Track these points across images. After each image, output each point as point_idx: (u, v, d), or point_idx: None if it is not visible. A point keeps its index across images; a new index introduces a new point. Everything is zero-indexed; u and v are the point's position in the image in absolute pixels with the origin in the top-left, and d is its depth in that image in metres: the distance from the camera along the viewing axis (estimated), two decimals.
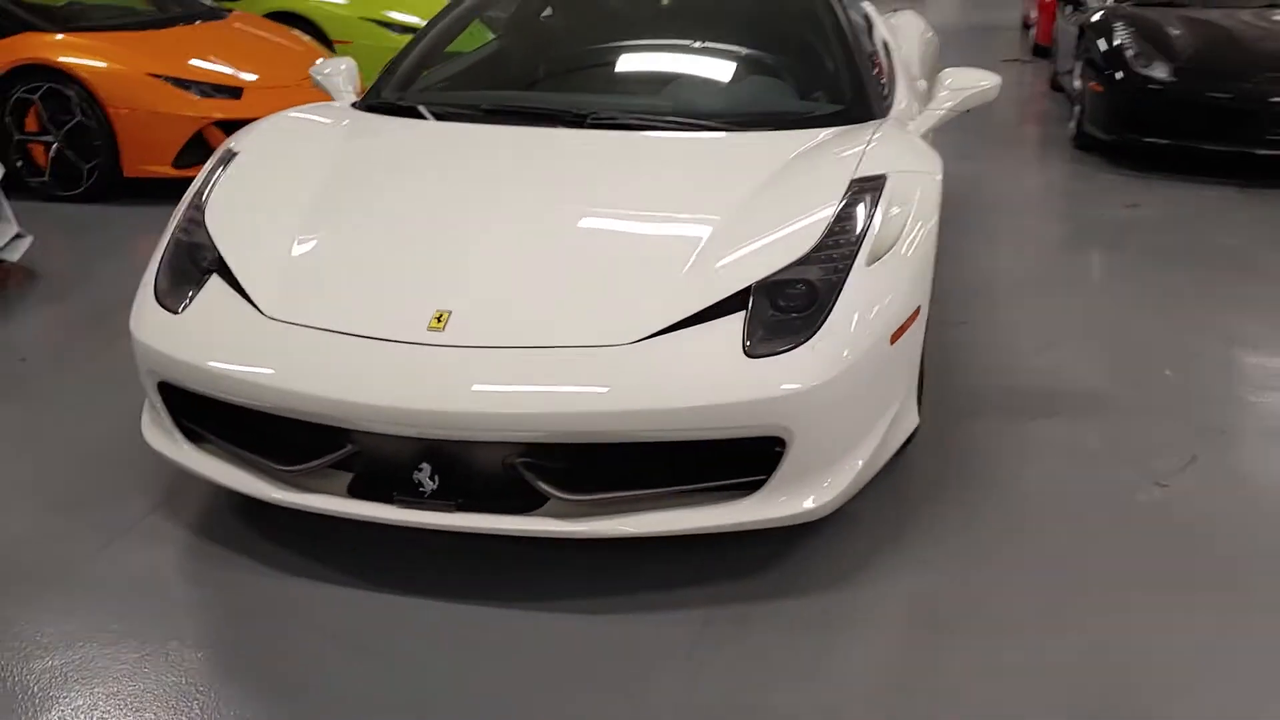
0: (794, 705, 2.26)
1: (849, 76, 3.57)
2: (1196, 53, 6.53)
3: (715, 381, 2.40)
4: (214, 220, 2.89)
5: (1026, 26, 13.82)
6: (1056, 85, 9.35)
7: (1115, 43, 6.81)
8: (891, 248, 2.68)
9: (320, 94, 6.44)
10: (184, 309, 2.71)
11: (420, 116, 3.49)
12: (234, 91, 6.19)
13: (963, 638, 2.46)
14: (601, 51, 3.89)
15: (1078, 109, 7.32)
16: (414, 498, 2.49)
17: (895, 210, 2.76)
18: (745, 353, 2.44)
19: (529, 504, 2.49)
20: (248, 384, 2.53)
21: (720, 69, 3.71)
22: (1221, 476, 3.17)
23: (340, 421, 2.47)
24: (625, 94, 3.64)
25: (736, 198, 2.85)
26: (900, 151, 3.03)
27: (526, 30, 4.06)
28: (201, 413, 2.73)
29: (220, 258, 2.79)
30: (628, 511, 2.47)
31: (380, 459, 2.51)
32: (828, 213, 2.71)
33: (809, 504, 2.50)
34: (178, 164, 6.03)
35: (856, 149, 3.00)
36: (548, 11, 4.11)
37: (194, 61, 6.28)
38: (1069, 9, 8.93)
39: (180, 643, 2.45)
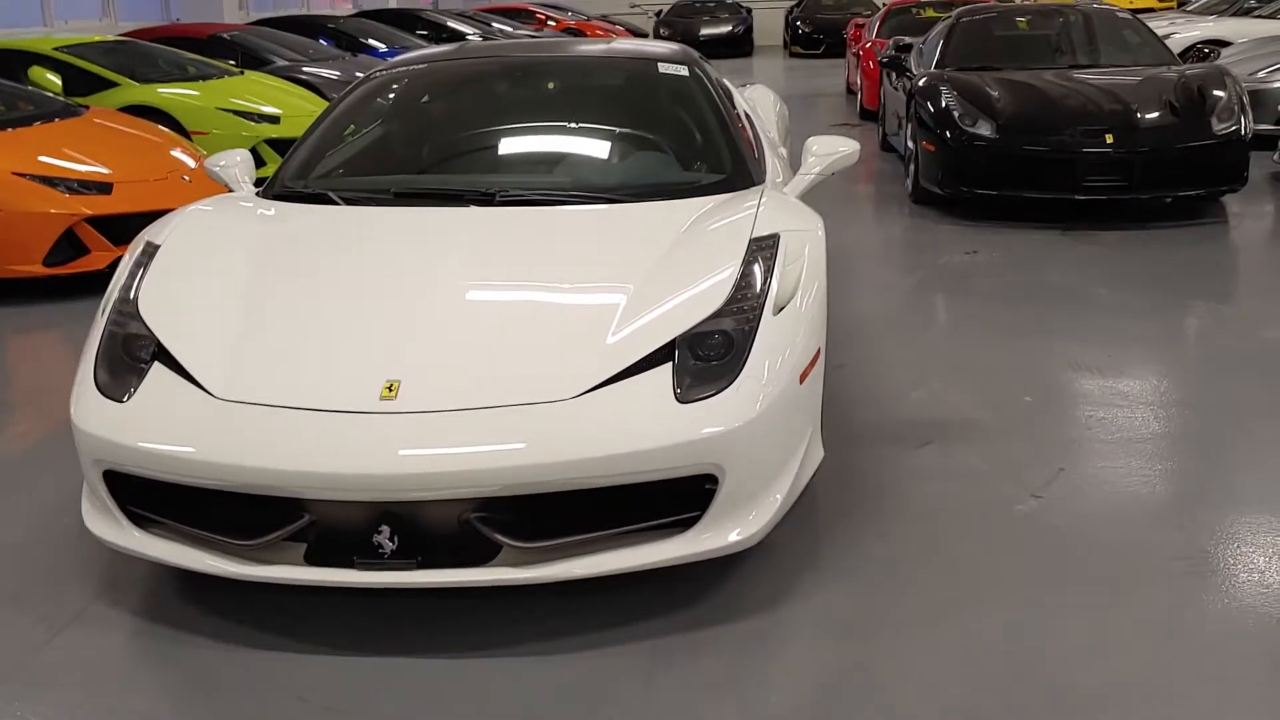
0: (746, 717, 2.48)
1: (727, 148, 3.91)
2: (1016, 111, 7.19)
3: (653, 427, 2.63)
4: (149, 312, 2.99)
5: (852, 93, 14.75)
6: (887, 145, 10.04)
7: (942, 105, 7.43)
8: (792, 298, 2.98)
9: (184, 186, 6.54)
10: (129, 398, 2.80)
11: (329, 202, 3.66)
12: (104, 187, 6.18)
13: (886, 641, 2.73)
14: (494, 134, 4.13)
15: (912, 167, 7.93)
16: (375, 559, 2.63)
17: (790, 265, 3.07)
18: (677, 399, 2.69)
19: (484, 555, 2.66)
20: (204, 464, 2.63)
21: (609, 146, 4.00)
22: (1085, 483, 3.56)
23: (299, 492, 2.60)
24: (524, 173, 3.89)
25: (646, 262, 3.11)
26: (787, 213, 3.36)
27: (414, 114, 4.27)
28: (146, 498, 2.81)
29: (160, 346, 2.89)
30: (576, 555, 2.67)
31: (337, 526, 2.64)
32: (733, 270, 3.00)
33: (739, 535, 2.74)
34: (48, 262, 5.97)
35: (748, 213, 3.31)
36: (427, 98, 4.34)
37: (58, 159, 6.25)
38: (893, 75, 9.66)
39: None
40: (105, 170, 6.32)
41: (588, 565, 2.66)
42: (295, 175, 3.92)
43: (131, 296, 3.07)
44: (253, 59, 10.99)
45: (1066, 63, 8.33)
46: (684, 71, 4.26)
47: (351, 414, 2.65)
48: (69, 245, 6.01)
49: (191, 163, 6.78)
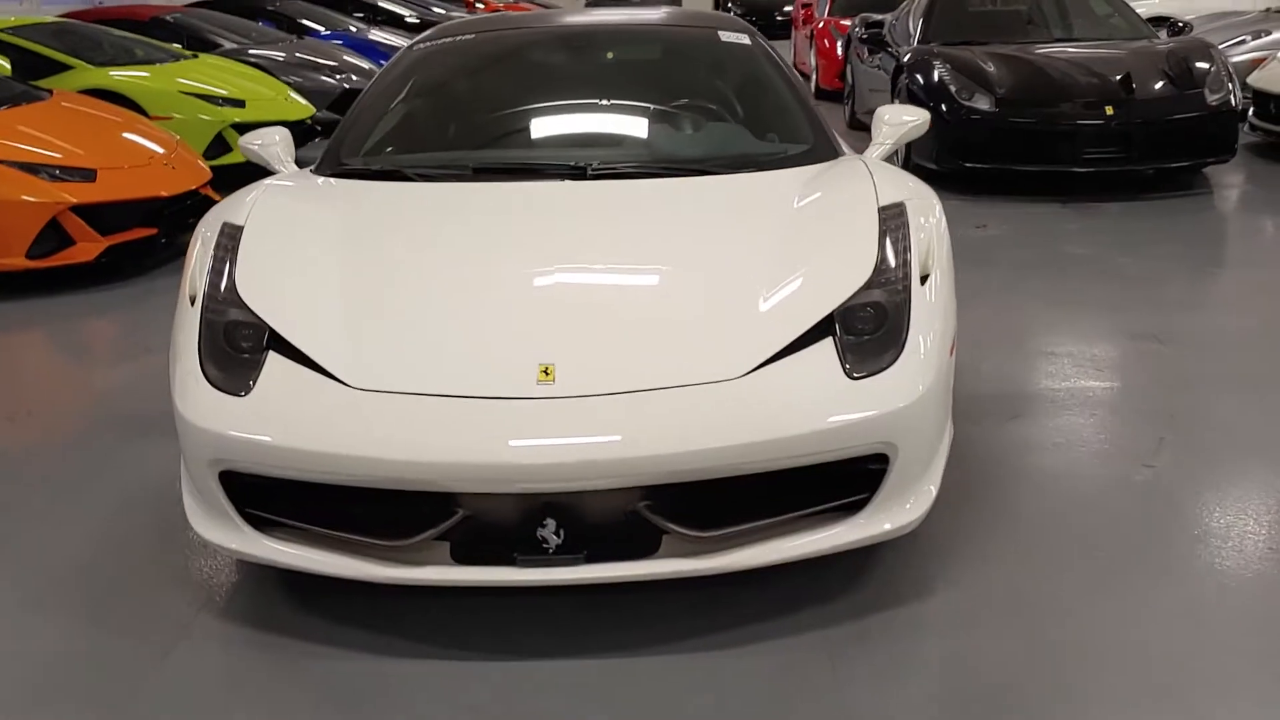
0: (939, 702, 2.37)
1: (806, 118, 3.77)
2: (1014, 84, 7.18)
3: (826, 406, 2.49)
4: (254, 298, 2.74)
5: (803, 73, 14.73)
6: (856, 123, 10.00)
7: (936, 79, 7.39)
8: (931, 267, 2.86)
9: (168, 172, 6.19)
10: (247, 391, 2.57)
11: (402, 179, 3.43)
12: (87, 174, 5.81)
13: (1050, 621, 2.63)
14: (563, 106, 3.92)
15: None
16: (538, 555, 2.45)
17: (921, 235, 2.95)
18: (847, 375, 2.55)
19: (648, 547, 2.50)
20: (345, 459, 2.41)
21: (686, 117, 3.81)
22: (1192, 452, 3.52)
23: (454, 486, 2.41)
24: (605, 146, 3.69)
25: (772, 234, 2.96)
26: (902, 182, 3.24)
27: (473, 87, 4.04)
28: (266, 499, 2.59)
29: (273, 334, 2.66)
30: (746, 544, 2.52)
31: (494, 521, 2.45)
32: (872, 240, 2.86)
33: (910, 514, 2.62)
34: (32, 254, 5.59)
35: (863, 182, 3.18)
36: (484, 69, 4.12)
37: (33, 145, 5.86)
38: (865, 53, 9.62)
39: None
40: (85, 156, 5.94)
41: (760, 554, 2.50)
42: (353, 152, 3.68)
43: (226, 282, 2.82)
44: (196, 42, 10.52)
45: (1047, 36, 8.36)
46: (746, 40, 4.11)
47: (507, 400, 2.46)
48: (54, 236, 5.64)
49: (163, 149, 6.42)
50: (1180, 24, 8.46)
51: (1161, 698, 2.37)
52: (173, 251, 6.31)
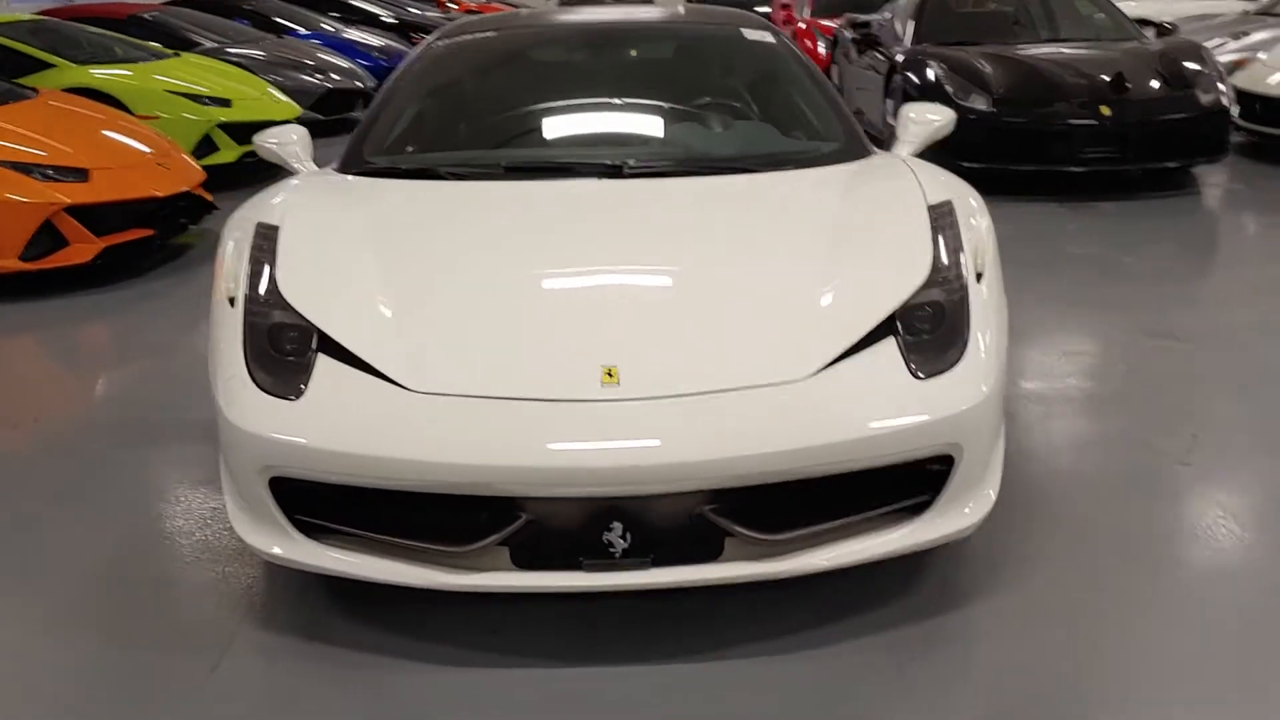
0: (1014, 701, 2.35)
1: (836, 116, 3.74)
2: (1011, 84, 7.20)
3: (896, 406, 2.45)
4: (299, 300, 2.67)
5: None
6: None
7: (932, 79, 7.40)
8: (984, 265, 2.84)
9: (162, 172, 6.07)
10: (299, 396, 2.49)
11: (433, 177, 3.36)
12: (79, 174, 5.68)
13: (1108, 623, 2.61)
14: (590, 104, 3.86)
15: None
16: (605, 560, 2.40)
17: (970, 233, 2.93)
18: (913, 375, 2.52)
19: (713, 551, 2.45)
20: (406, 464, 2.35)
21: (717, 115, 3.77)
22: (1223, 448, 3.52)
23: (519, 490, 2.35)
24: (637, 145, 3.64)
25: (821, 232, 2.93)
26: (944, 179, 3.21)
27: (496, 84, 3.97)
28: (316, 506, 2.52)
29: (323, 337, 2.59)
30: (811, 547, 2.48)
31: (559, 525, 2.40)
32: (925, 239, 2.83)
33: (973, 519, 2.58)
34: (25, 256, 5.46)
35: (907, 180, 3.15)
36: (507, 67, 4.06)
37: (24, 144, 5.71)
38: (852, 53, 9.63)
39: None
40: (77, 155, 5.81)
41: (825, 557, 2.46)
42: (378, 150, 3.60)
43: (267, 284, 2.74)
44: (174, 41, 10.34)
45: (1035, 37, 8.39)
46: (769, 38, 4.07)
47: (572, 403, 2.40)
48: (48, 238, 5.51)
49: (153, 149, 6.29)
50: (1168, 25, 8.52)
51: (1214, 701, 2.35)
52: (167, 253, 6.20)
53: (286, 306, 2.67)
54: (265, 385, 2.52)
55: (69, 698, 2.44)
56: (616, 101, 3.87)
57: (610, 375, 2.44)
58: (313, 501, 2.51)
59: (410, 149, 3.67)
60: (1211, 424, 3.69)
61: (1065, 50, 7.86)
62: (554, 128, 3.81)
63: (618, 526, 2.38)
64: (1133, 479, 3.33)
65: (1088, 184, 7.29)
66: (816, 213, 3.05)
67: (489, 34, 4.11)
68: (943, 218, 2.93)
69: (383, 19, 16.05)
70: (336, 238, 2.96)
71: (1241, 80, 8.53)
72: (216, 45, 10.58)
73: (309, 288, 2.72)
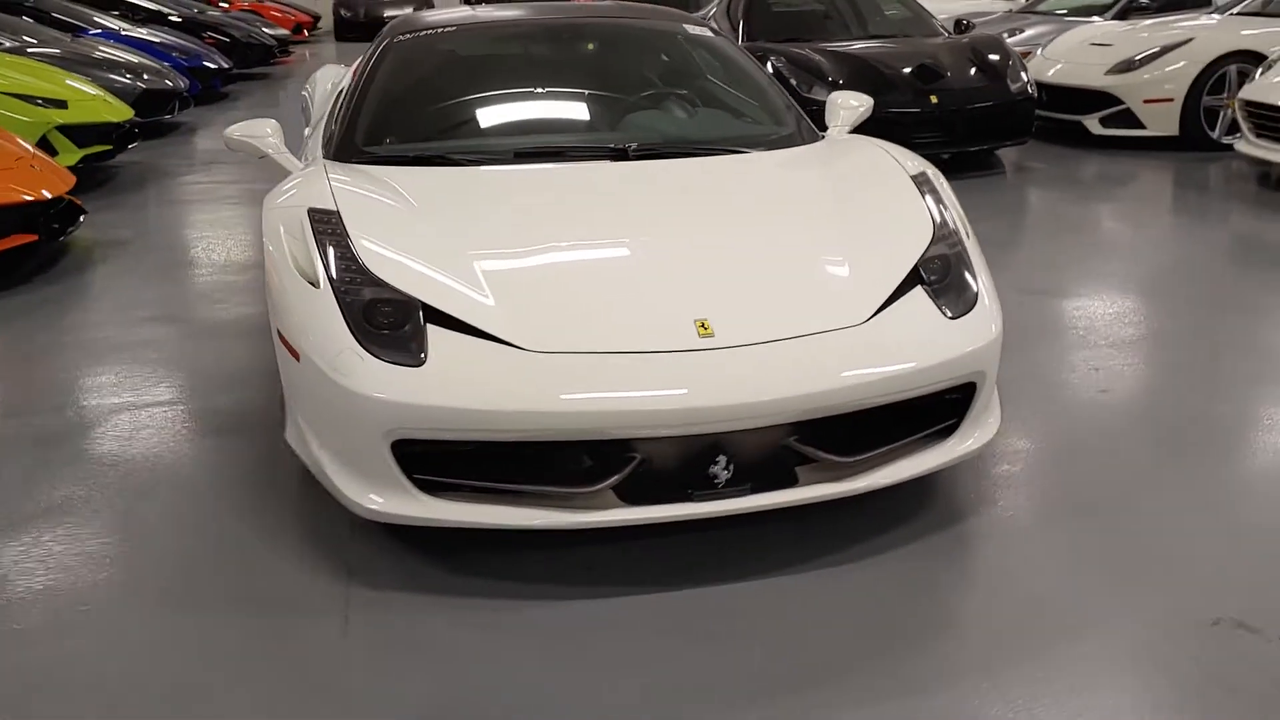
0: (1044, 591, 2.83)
1: (784, 104, 4.18)
2: (848, 76, 7.86)
3: (941, 343, 2.88)
4: (391, 276, 2.85)
5: None
6: None
7: (773, 72, 7.97)
8: (966, 224, 3.33)
9: (35, 174, 5.85)
10: (421, 363, 2.69)
11: (446, 164, 3.57)
12: None
13: (1123, 527, 3.16)
14: (571, 94, 4.13)
15: None
16: (711, 490, 2.72)
17: (948, 196, 3.42)
18: (945, 317, 2.96)
19: (790, 478, 2.82)
20: (536, 415, 2.59)
21: (686, 103, 4.13)
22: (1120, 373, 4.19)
23: (638, 432, 2.63)
24: (628, 130, 3.94)
25: (831, 201, 3.35)
26: (908, 153, 3.69)
27: (474, 77, 4.17)
28: (433, 466, 2.73)
29: (423, 306, 2.78)
30: (871, 468, 2.88)
31: (669, 462, 2.70)
32: (918, 203, 3.30)
33: (989, 434, 3.06)
34: None
35: (880, 154, 3.62)
36: (479, 60, 4.27)
37: None
38: None
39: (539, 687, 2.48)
40: None
41: (888, 474, 2.86)
42: (374, 140, 3.77)
43: (353, 264, 2.90)
44: None
45: (848, 35, 9.14)
46: (709, 32, 4.46)
47: (679, 353, 2.71)
48: None
49: (21, 151, 6.06)
50: (967, 22, 9.46)
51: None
52: (45, 258, 5.98)
53: (380, 283, 2.84)
54: (384, 356, 2.70)
55: (217, 677, 2.54)
56: (594, 91, 4.16)
57: (705, 327, 2.77)
58: (430, 461, 2.72)
59: (402, 139, 3.84)
60: (1119, 376, 4.36)
61: (887, 45, 8.63)
62: (543, 116, 4.07)
63: (722, 459, 2.71)
64: (1055, 402, 3.93)
65: None
66: (819, 185, 3.47)
67: (450, 29, 4.31)
68: (925, 184, 3.41)
69: (170, 17, 15.45)
70: (399, 219, 3.14)
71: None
72: (18, 45, 10.02)
73: (397, 265, 2.91)
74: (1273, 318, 4.84)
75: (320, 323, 2.82)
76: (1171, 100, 8.72)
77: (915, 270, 3.05)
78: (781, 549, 2.96)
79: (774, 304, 2.89)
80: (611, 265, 3.01)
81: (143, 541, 3.09)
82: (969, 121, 7.86)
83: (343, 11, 23.97)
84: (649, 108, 4.10)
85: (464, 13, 4.62)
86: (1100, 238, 6.49)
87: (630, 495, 2.72)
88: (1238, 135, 8.40)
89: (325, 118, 4.51)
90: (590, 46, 4.45)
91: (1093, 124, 9.06)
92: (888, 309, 2.93)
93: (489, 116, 4.01)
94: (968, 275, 3.11)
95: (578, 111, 4.12)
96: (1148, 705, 2.34)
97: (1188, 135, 8.75)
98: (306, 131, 5.07)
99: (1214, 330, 4.70)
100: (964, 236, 3.23)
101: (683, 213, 3.30)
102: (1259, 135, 7.54)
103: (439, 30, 4.28)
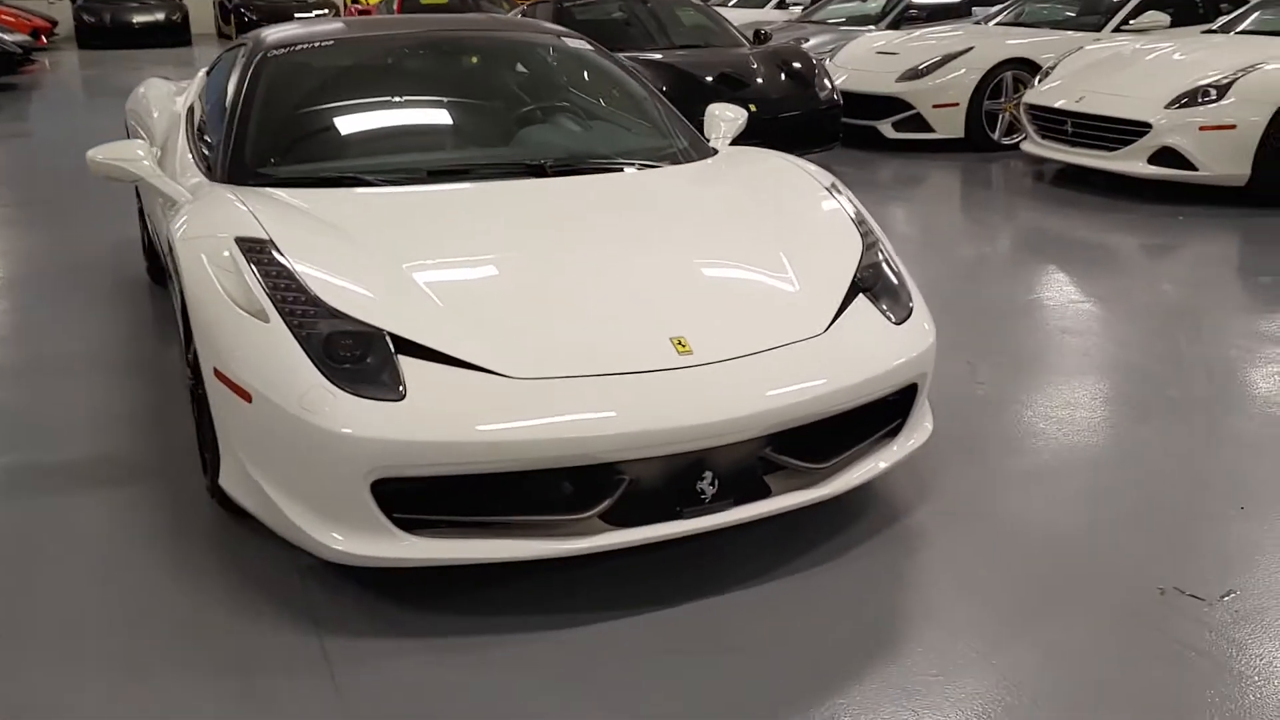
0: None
1: (673, 116, 4.23)
2: (669, 85, 7.99)
3: (892, 348, 3.00)
4: (348, 306, 2.70)
5: None
6: None
7: None
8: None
9: None
10: (401, 397, 2.56)
11: (355, 184, 3.42)
12: None
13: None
14: (461, 108, 4.01)
15: None
16: (698, 506, 2.73)
17: (857, 202, 3.56)
18: (891, 322, 3.08)
19: (765, 488, 2.86)
20: (529, 444, 2.53)
21: (581, 117, 4.10)
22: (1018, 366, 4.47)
23: (628, 454, 2.61)
24: (529, 145, 3.87)
25: (757, 214, 3.41)
26: (809, 164, 3.81)
27: (361, 92, 3.97)
28: (410, 503, 2.62)
29: (394, 339, 2.66)
30: (839, 472, 2.95)
31: (656, 481, 2.69)
32: (839, 211, 3.42)
33: (928, 432, 3.21)
34: None
35: (782, 164, 3.74)
36: (364, 74, 4.09)
37: None
38: None
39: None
40: None
41: (854, 476, 2.96)
42: (264, 162, 3.56)
43: (302, 295, 2.73)
44: None
45: (655, 44, 9.30)
46: (587, 46, 4.45)
47: (662, 372, 2.70)
48: None
49: None
50: (766, 32, 9.80)
51: None
52: None
53: (337, 314, 2.70)
54: (359, 391, 2.56)
55: None
56: (489, 106, 4.07)
57: (683, 344, 2.77)
58: (407, 498, 2.60)
59: (300, 159, 3.65)
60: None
61: (698, 54, 8.83)
62: (444, 133, 3.95)
63: (708, 475, 2.72)
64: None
65: None
66: (746, 198, 3.54)
67: (329, 43, 4.12)
68: (839, 193, 3.54)
69: None
70: (336, 245, 2.98)
71: None
72: None
73: (350, 294, 2.77)
74: (1063, 291, 5.31)
75: (276, 360, 2.65)
76: (957, 105, 9.34)
77: (854, 280, 3.16)
78: (753, 557, 3.00)
79: (741, 318, 2.93)
80: (576, 285, 2.97)
81: (58, 605, 2.82)
82: (785, 129, 8.14)
83: (86, 17, 22.32)
84: (543, 122, 4.06)
85: (335, 25, 4.43)
86: (902, 234, 6.88)
87: (617, 517, 2.69)
88: (1017, 136, 9.12)
89: (187, 138, 4.22)
90: (474, 60, 4.35)
91: (886, 128, 9.59)
92: (840, 318, 3.02)
93: (388, 134, 3.87)
94: (897, 281, 3.25)
95: (478, 127, 4.03)
96: (1133, 668, 2.53)
97: (971, 137, 9.40)
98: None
99: (1011, 310, 5.09)
100: (883, 243, 3.37)
101: (629, 230, 3.30)
102: (1043, 136, 8.19)
103: (317, 44, 4.08)
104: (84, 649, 2.65)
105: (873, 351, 2.97)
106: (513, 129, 4.00)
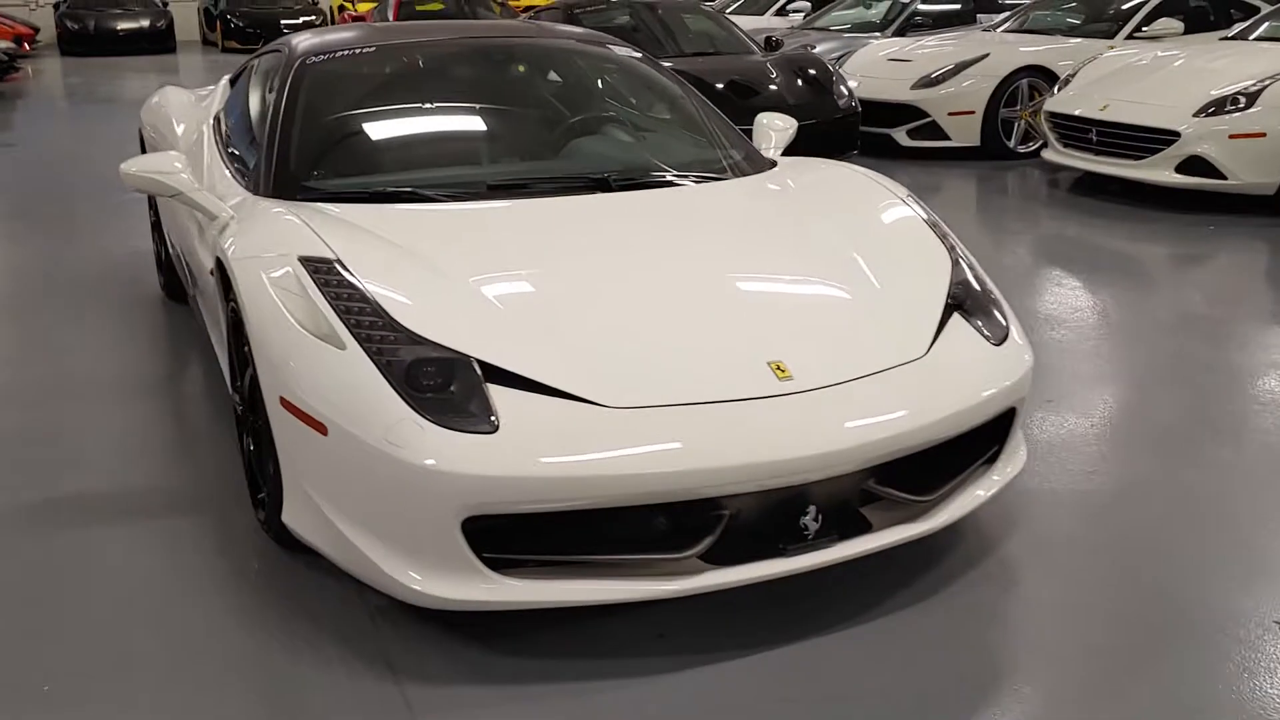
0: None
1: (728, 126, 4.06)
2: None
3: (995, 370, 2.83)
4: (430, 331, 2.52)
5: None
6: None
7: None
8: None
9: None
10: (496, 429, 2.38)
11: (418, 200, 3.24)
12: None
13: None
14: (510, 119, 3.84)
15: None
16: (802, 543, 2.55)
17: (935, 216, 3.40)
18: (990, 343, 2.92)
19: (866, 523, 2.69)
20: (636, 478, 2.35)
21: (641, 130, 3.93)
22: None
23: (737, 487, 2.44)
24: (585, 159, 3.70)
25: (841, 229, 3.24)
26: (878, 174, 3.65)
27: (410, 103, 3.80)
28: (501, 542, 2.44)
29: (474, 363, 2.48)
30: (942, 505, 2.77)
31: (758, 517, 2.52)
32: (923, 227, 3.26)
33: (1023, 459, 3.05)
34: None
35: (858, 177, 3.57)
36: (410, 85, 3.91)
37: None
38: None
39: None
40: None
41: (958, 508, 2.78)
42: (313, 176, 3.38)
43: (380, 320, 2.55)
44: None
45: (666, 51, 9.13)
46: (635, 53, 4.28)
47: (763, 399, 2.53)
48: None
49: None
50: (777, 39, 9.66)
51: None
52: None
53: (420, 340, 2.52)
54: (450, 424, 2.38)
55: None
56: (542, 117, 3.90)
57: (782, 369, 2.60)
58: (496, 536, 2.43)
59: (352, 172, 3.47)
60: None
61: (711, 62, 8.68)
62: (499, 145, 3.77)
63: (811, 509, 2.55)
64: None
65: None
66: (826, 213, 3.36)
67: (369, 50, 3.93)
68: (915, 202, 3.38)
69: None
70: (407, 265, 2.80)
71: None
72: None
73: (431, 319, 2.58)
74: (1080, 296, 5.18)
75: (356, 390, 2.46)
76: (973, 112, 9.23)
77: (949, 297, 3.00)
78: (851, 594, 2.83)
79: (838, 339, 2.77)
80: (668, 308, 2.79)
81: (108, 649, 2.62)
82: (810, 136, 7.99)
83: (69, 24, 21.96)
84: (595, 133, 3.89)
85: (368, 32, 4.24)
86: None
87: (718, 556, 2.52)
88: (1033, 143, 9.02)
89: (218, 150, 4.02)
90: (521, 69, 4.17)
91: (901, 136, 9.46)
92: (940, 339, 2.86)
93: (440, 146, 3.68)
94: (989, 298, 3.09)
95: (531, 138, 3.84)
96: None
97: (987, 145, 9.28)
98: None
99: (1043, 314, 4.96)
100: (967, 256, 3.21)
101: (708, 247, 3.12)
102: (1065, 144, 8.08)
103: (357, 51, 3.90)
104: (139, 700, 2.46)
105: (976, 374, 2.81)
106: (564, 140, 3.82)
